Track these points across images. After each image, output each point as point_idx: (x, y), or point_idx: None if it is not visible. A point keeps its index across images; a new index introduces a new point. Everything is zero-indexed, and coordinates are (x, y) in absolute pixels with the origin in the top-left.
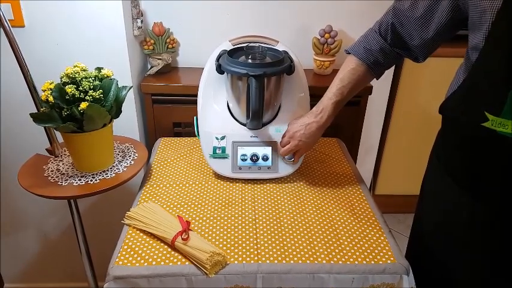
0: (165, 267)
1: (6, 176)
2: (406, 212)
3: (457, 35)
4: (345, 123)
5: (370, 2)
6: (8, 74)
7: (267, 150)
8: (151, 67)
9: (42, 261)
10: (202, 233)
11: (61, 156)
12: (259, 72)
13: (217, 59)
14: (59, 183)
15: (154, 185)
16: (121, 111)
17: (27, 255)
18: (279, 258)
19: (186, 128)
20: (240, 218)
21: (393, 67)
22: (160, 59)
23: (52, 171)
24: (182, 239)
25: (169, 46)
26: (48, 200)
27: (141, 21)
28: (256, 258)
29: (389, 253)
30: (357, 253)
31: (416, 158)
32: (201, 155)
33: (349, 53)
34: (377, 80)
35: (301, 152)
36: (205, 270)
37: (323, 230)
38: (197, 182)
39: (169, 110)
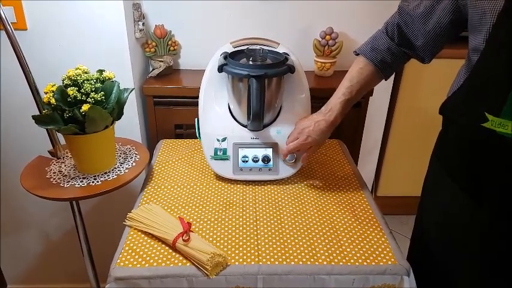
0: (166, 268)
1: (9, 177)
2: (409, 214)
3: (459, 36)
4: (346, 125)
5: (371, 3)
6: (10, 77)
7: (268, 152)
8: (153, 69)
9: (44, 262)
10: (203, 234)
11: (63, 158)
12: (260, 73)
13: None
14: (61, 184)
15: (156, 187)
16: (123, 113)
17: (29, 256)
18: (280, 260)
19: (188, 130)
20: (240, 219)
21: None
22: (161, 61)
23: (54, 173)
24: (183, 240)
25: (171, 48)
26: (50, 202)
27: (143, 24)
28: (257, 259)
29: (390, 254)
30: (358, 254)
31: (418, 159)
32: (202, 156)
33: (358, 54)
34: (385, 80)
35: (310, 151)
36: (206, 271)
37: (324, 231)
38: (198, 184)
39: (171, 112)
